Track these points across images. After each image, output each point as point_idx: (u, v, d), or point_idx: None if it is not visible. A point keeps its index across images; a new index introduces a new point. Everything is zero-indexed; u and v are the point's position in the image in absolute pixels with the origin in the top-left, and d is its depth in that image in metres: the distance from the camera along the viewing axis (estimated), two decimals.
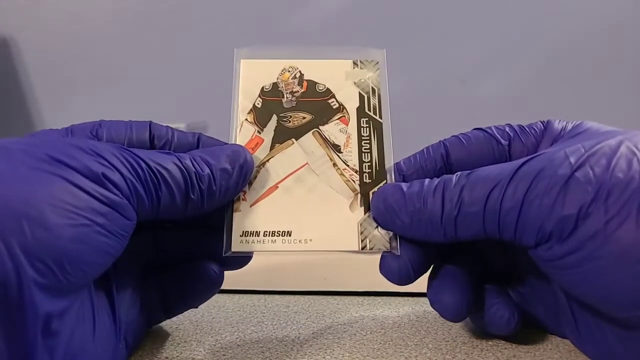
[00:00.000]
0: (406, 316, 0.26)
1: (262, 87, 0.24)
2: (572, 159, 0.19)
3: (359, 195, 0.22)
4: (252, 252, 0.22)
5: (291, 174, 0.23)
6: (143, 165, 0.19)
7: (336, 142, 0.23)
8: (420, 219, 0.21)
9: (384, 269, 0.22)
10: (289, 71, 0.24)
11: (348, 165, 0.23)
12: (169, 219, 0.21)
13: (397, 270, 0.22)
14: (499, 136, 0.24)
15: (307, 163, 0.23)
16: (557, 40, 0.73)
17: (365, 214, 0.22)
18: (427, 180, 0.21)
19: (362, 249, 0.21)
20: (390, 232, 0.22)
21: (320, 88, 0.24)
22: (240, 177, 0.22)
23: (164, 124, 0.23)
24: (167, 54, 0.72)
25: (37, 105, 0.74)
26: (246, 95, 0.24)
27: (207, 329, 0.25)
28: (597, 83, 0.74)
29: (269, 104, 0.24)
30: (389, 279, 0.22)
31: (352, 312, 0.27)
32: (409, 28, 0.73)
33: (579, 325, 0.22)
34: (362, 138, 0.23)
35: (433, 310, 0.25)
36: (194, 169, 0.20)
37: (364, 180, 0.22)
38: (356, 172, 0.23)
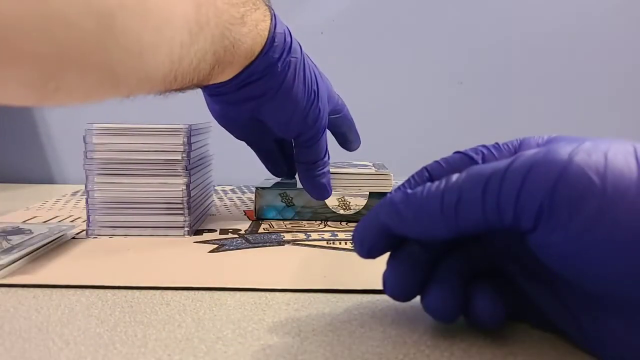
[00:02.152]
0: (404, 314, 0.27)
1: None
2: (569, 149, 0.19)
3: None
4: None
5: None
6: None
7: None
8: (422, 212, 0.22)
9: (388, 289, 0.24)
10: None
11: None
12: None
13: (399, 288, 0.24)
14: (472, 154, 0.25)
15: None
16: (555, 40, 0.74)
17: None
18: (429, 183, 0.22)
19: None
20: None
21: None
22: None
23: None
24: None
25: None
26: None
27: (209, 326, 0.25)
28: (596, 83, 0.74)
29: None
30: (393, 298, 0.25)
31: (352, 309, 0.27)
32: (407, 29, 0.74)
33: (578, 314, 0.22)
34: None
35: None
36: None
37: None
38: None
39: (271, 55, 0.38)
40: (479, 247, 0.25)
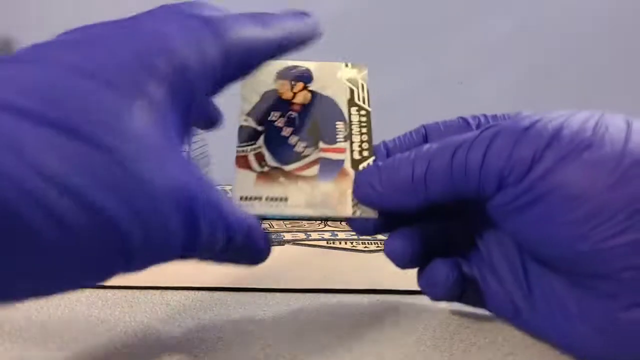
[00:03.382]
0: (404, 314, 0.27)
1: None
2: (533, 118, 0.21)
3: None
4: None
5: None
6: None
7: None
8: (393, 183, 0.22)
9: (355, 228, 0.25)
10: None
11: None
12: None
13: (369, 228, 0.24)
14: (470, 119, 0.27)
15: None
16: (555, 40, 0.74)
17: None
18: (399, 154, 0.23)
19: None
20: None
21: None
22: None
23: None
24: None
25: None
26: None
27: (209, 326, 0.25)
28: (596, 83, 0.74)
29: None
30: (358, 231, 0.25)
31: (352, 309, 0.27)
32: (407, 29, 0.74)
33: (534, 293, 0.23)
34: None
35: (431, 307, 0.26)
36: None
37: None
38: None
39: None
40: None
